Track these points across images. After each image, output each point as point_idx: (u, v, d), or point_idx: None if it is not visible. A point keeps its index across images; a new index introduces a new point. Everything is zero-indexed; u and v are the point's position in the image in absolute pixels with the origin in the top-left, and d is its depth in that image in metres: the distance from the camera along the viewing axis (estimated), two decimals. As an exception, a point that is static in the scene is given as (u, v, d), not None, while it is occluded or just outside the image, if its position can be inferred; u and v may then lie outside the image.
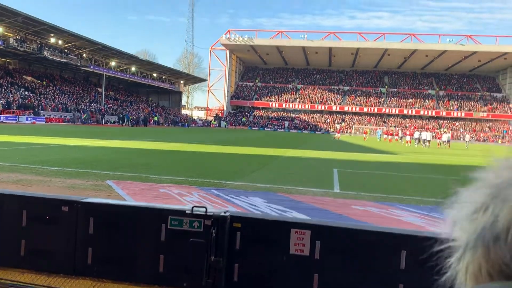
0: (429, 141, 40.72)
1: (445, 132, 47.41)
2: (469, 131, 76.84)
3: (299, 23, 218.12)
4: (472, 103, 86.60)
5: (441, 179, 14.27)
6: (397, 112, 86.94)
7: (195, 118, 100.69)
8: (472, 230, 0.55)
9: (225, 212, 3.04)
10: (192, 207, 3.05)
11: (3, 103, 47.70)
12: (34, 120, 48.03)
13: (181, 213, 3.07)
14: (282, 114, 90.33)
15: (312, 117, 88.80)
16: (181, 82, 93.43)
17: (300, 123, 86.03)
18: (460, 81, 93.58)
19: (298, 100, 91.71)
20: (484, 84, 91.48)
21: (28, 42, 53.78)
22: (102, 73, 66.86)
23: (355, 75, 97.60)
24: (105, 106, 66.31)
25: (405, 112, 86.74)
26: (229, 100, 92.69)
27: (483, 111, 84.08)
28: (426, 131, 47.31)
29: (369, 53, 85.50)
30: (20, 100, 51.17)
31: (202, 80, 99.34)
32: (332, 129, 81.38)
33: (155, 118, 71.34)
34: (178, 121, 78.89)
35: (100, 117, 60.26)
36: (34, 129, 33.80)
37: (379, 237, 2.87)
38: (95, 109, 62.51)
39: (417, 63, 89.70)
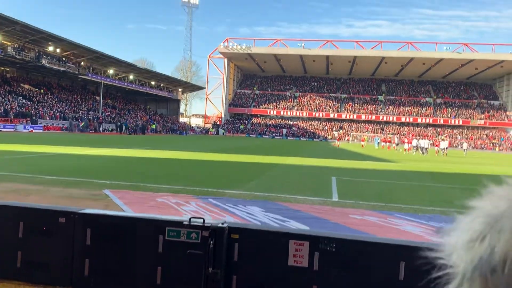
0: (426, 148, 40.78)
1: (443, 139, 47.38)
2: (467, 139, 77.03)
3: (296, 31, 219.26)
4: (470, 111, 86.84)
5: (440, 187, 14.26)
6: (394, 119, 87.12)
7: (193, 125, 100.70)
8: (469, 260, 0.56)
9: (222, 223, 3.02)
10: (190, 218, 3.04)
11: (0, 111, 47.64)
12: (32, 129, 47.92)
13: (179, 224, 3.05)
14: (280, 122, 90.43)
15: (310, 125, 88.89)
16: (179, 90, 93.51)
17: (298, 131, 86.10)
18: (457, 88, 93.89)
19: (296, 107, 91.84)
20: (481, 91, 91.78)
21: (26, 51, 53.83)
22: (100, 81, 66.86)
23: (353, 83, 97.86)
24: (103, 114, 66.25)
25: (403, 119, 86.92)
26: (227, 107, 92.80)
27: (480, 119, 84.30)
28: (424, 139, 47.37)
29: (366, 61, 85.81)
30: (17, 108, 51.10)
31: (200, 88, 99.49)
32: (330, 137, 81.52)
33: (153, 126, 71.29)
34: (176, 129, 78.86)
35: (98, 125, 60.19)
36: (31, 137, 33.72)
37: (377, 248, 2.85)
38: (93, 117, 62.44)
39: (414, 71, 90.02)
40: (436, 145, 44.32)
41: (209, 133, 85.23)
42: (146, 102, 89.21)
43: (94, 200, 8.48)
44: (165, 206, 8.22)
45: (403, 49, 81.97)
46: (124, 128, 60.55)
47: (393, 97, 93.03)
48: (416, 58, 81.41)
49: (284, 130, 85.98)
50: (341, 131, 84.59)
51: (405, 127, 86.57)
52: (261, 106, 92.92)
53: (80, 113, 61.13)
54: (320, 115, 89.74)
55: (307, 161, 22.61)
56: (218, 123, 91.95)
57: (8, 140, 27.29)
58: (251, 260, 3.03)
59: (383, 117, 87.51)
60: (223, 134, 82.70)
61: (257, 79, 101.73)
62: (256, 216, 7.75)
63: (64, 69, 59.02)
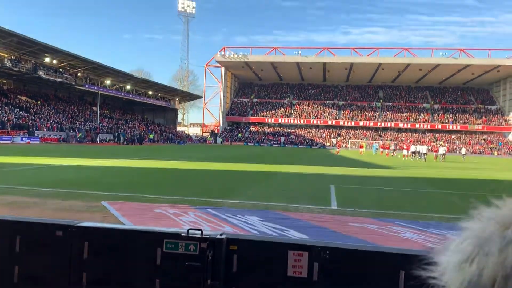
0: (425, 154, 40.84)
1: (441, 145, 47.57)
2: (465, 144, 77.17)
3: (293, 39, 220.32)
4: (467, 116, 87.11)
5: (439, 193, 14.25)
6: (392, 125, 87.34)
7: (191, 134, 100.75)
8: (459, 281, 0.57)
9: (221, 235, 3.00)
10: (188, 230, 3.01)
11: (-3, 123, 47.63)
12: (29, 140, 47.84)
13: (177, 236, 3.02)
14: (278, 129, 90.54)
15: (308, 132, 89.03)
16: (177, 99, 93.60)
17: (296, 138, 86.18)
18: (455, 94, 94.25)
19: (293, 115, 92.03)
20: (478, 96, 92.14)
21: (23, 62, 53.88)
22: (97, 91, 66.85)
23: (350, 90, 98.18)
24: (100, 124, 66.22)
25: (401, 125, 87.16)
26: (224, 116, 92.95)
27: (478, 124, 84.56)
28: (422, 145, 47.48)
29: (363, 68, 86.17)
30: (14, 120, 51.06)
31: (197, 97, 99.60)
32: (328, 144, 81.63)
33: (151, 136, 71.28)
34: (173, 138, 78.86)
35: (94, 135, 60.14)
36: (28, 149, 33.66)
37: (377, 257, 2.83)
38: (90, 127, 62.41)
39: (411, 77, 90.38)
40: (435, 151, 44.42)
41: (207, 142, 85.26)
42: (144, 112, 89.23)
43: (91, 212, 8.43)
44: (163, 217, 8.18)
45: (400, 55, 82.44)
46: (122, 138, 60.51)
47: (390, 103, 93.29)
48: (412, 64, 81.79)
49: (282, 138, 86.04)
50: (339, 138, 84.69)
51: (403, 133, 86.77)
52: (259, 114, 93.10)
53: (78, 124, 61.10)
54: (318, 122, 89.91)
55: (305, 169, 22.59)
56: (216, 131, 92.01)
57: (5, 152, 27.22)
58: (250, 271, 3.00)
59: (381, 123, 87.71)
60: (221, 142, 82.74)
61: (254, 87, 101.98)
62: (255, 226, 7.71)
63: (61, 80, 59.04)
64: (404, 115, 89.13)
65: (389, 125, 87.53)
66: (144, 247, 3.12)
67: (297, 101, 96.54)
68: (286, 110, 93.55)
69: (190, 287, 3.00)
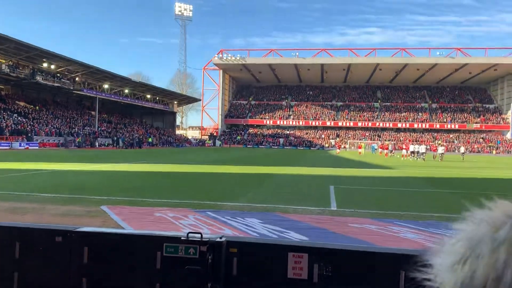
0: (423, 153, 40.85)
1: (440, 144, 47.59)
2: (463, 143, 77.25)
3: (290, 41, 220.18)
4: (465, 115, 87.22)
5: (439, 192, 14.26)
6: (391, 126, 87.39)
7: (190, 138, 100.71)
8: (452, 282, 0.57)
9: (220, 238, 3.00)
10: (187, 233, 3.01)
11: (-4, 129, 47.57)
12: (28, 146, 47.77)
13: (176, 239, 3.02)
14: (277, 131, 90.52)
15: (307, 133, 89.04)
16: (175, 102, 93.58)
17: (295, 140, 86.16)
18: (452, 93, 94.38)
19: (292, 116, 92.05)
20: (476, 95, 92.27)
21: (21, 68, 53.86)
22: (95, 96, 66.82)
23: (348, 91, 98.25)
24: (99, 129, 66.18)
25: (399, 125, 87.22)
26: (223, 118, 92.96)
27: (476, 123, 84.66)
28: (420, 144, 47.51)
29: (361, 69, 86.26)
30: (13, 125, 50.99)
31: (195, 100, 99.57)
32: (327, 145, 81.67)
33: (149, 140, 71.24)
34: (172, 142, 78.82)
35: (93, 140, 60.08)
36: (27, 155, 33.63)
37: (377, 257, 2.83)
38: (88, 132, 62.37)
39: (409, 76, 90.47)
40: (433, 150, 44.46)
41: (206, 144, 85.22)
42: (142, 115, 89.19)
43: (91, 217, 8.42)
44: (163, 221, 8.17)
45: (397, 55, 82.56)
46: (121, 142, 60.47)
47: (388, 104, 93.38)
48: (410, 64, 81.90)
49: (281, 140, 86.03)
50: (338, 139, 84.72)
51: (402, 133, 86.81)
52: (257, 116, 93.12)
53: (76, 129, 61.04)
54: (317, 124, 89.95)
55: (304, 171, 22.59)
56: (215, 134, 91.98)
57: (4, 158, 27.20)
58: (250, 273, 3.00)
59: (379, 123, 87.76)
60: (220, 145, 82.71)
61: (253, 90, 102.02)
62: (255, 228, 7.71)
63: (59, 85, 59.03)
64: (402, 115, 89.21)
65: (387, 125, 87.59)
66: (144, 251, 3.12)
67: (296, 102, 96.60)
68: (284, 111, 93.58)
69: (190, 291, 2.99)
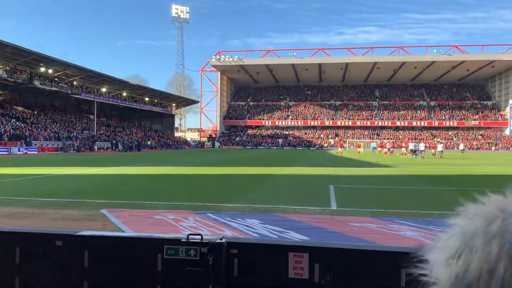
0: (423, 151, 40.88)
1: (439, 142, 47.63)
2: (462, 140, 77.33)
3: (288, 41, 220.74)
4: (464, 112, 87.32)
5: (438, 190, 14.26)
6: (389, 124, 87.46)
7: (189, 140, 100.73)
8: (447, 277, 0.58)
9: (221, 239, 2.99)
10: (188, 235, 3.01)
11: (-6, 134, 47.52)
12: (26, 151, 47.69)
13: (177, 241, 3.02)
14: (276, 132, 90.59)
15: (306, 133, 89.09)
16: (173, 105, 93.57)
17: (294, 140, 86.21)
18: (450, 90, 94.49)
19: (290, 117, 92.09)
20: (474, 92, 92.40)
21: (18, 73, 53.83)
22: (93, 99, 66.80)
23: (346, 90, 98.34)
24: (98, 132, 66.12)
25: (398, 124, 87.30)
26: (222, 120, 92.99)
27: (474, 120, 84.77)
28: (419, 142, 47.54)
29: (358, 67, 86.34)
30: (11, 131, 50.94)
31: (194, 102, 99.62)
32: (326, 144, 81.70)
33: (148, 142, 71.21)
34: (171, 144, 78.79)
35: (92, 143, 60.03)
36: (26, 159, 33.59)
37: (378, 256, 2.83)
38: (87, 136, 62.31)
39: (406, 75, 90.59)
40: (433, 148, 44.49)
41: (205, 146, 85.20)
42: (141, 118, 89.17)
43: (91, 221, 8.40)
44: (163, 223, 8.16)
45: (394, 53, 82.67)
46: (120, 146, 60.43)
47: (387, 102, 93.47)
48: (407, 62, 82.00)
49: (280, 140, 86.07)
50: (336, 138, 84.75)
51: (401, 131, 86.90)
52: (256, 117, 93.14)
53: (75, 133, 60.99)
54: (315, 123, 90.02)
55: (304, 170, 22.59)
56: (214, 136, 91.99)
57: (3, 163, 27.16)
58: (251, 274, 2.99)
59: (378, 122, 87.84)
60: (219, 147, 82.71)
61: (251, 91, 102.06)
62: (255, 228, 7.70)
63: (56, 89, 59.02)
64: (401, 113, 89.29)
65: (386, 123, 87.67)
66: (145, 254, 3.11)
67: (294, 102, 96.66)
68: (283, 112, 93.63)
69: (191, 292, 2.99)
